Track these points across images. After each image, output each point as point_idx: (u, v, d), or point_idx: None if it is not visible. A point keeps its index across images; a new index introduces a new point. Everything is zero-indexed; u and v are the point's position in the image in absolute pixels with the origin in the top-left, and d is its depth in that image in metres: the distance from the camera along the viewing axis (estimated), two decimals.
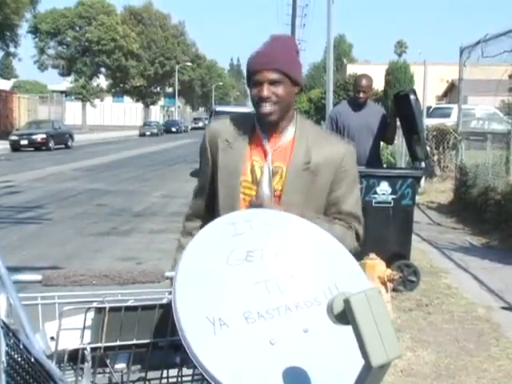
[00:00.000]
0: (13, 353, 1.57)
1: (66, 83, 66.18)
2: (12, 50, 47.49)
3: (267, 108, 2.32)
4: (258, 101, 2.33)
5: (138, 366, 1.86)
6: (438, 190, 14.13)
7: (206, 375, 1.53)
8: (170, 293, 1.71)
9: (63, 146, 34.72)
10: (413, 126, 6.83)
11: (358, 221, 2.43)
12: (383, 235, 6.50)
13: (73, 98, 63.29)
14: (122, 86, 68.95)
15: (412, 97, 6.65)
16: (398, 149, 15.10)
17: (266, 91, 2.30)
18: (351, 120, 6.93)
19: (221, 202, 2.40)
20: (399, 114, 7.01)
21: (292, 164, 2.37)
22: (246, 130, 2.43)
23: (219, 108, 21.93)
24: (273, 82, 2.31)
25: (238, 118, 2.53)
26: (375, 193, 6.50)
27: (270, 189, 2.36)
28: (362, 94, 6.87)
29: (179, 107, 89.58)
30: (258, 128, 2.42)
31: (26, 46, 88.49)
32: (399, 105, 6.94)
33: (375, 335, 1.33)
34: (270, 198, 2.34)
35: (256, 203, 2.29)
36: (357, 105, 6.99)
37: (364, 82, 6.86)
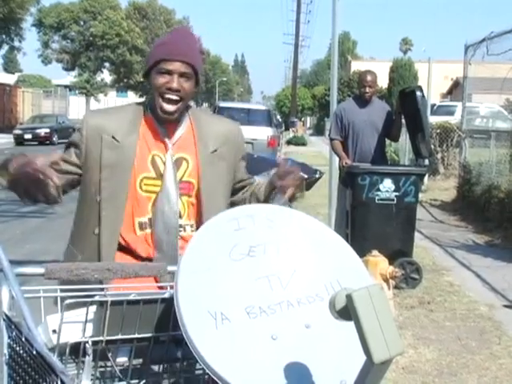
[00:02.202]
0: (15, 345, 1.58)
1: (70, 78, 66.16)
2: (16, 44, 47.57)
3: (172, 106, 2.29)
4: (165, 91, 2.28)
5: (140, 360, 1.86)
6: (441, 187, 14.11)
7: (207, 369, 1.53)
8: (172, 287, 1.71)
9: (67, 140, 34.62)
10: (417, 123, 6.82)
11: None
12: (386, 232, 6.50)
13: (77, 92, 63.29)
14: (125, 80, 68.86)
15: (418, 93, 6.64)
16: (401, 146, 15.08)
17: (176, 83, 2.27)
18: (356, 117, 6.92)
19: (104, 200, 2.31)
20: (404, 111, 7.00)
21: (201, 153, 2.38)
22: (133, 124, 2.35)
23: (223, 104, 21.91)
24: (183, 75, 2.29)
25: (122, 110, 2.46)
26: (378, 190, 6.49)
27: (175, 182, 2.34)
28: (367, 89, 6.86)
29: None
30: (152, 120, 2.36)
31: (30, 40, 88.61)
32: (404, 102, 6.93)
33: (377, 331, 1.33)
34: (175, 191, 2.33)
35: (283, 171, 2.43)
36: (362, 101, 6.98)
37: (369, 77, 6.86)
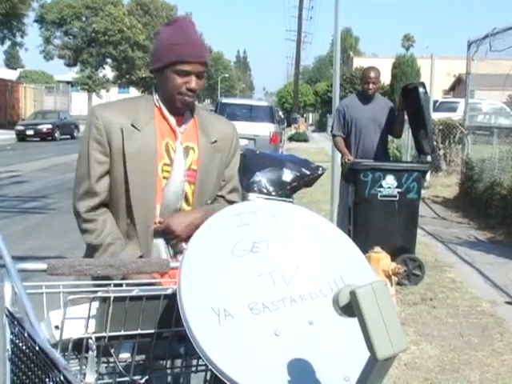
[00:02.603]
0: (17, 341, 1.58)
1: (72, 74, 66.12)
2: (19, 39, 47.53)
3: (191, 99, 2.40)
4: (184, 91, 2.36)
5: (143, 356, 1.86)
6: (443, 184, 14.10)
7: (210, 366, 1.53)
8: (175, 283, 1.70)
9: (69, 136, 34.74)
10: (420, 119, 6.81)
11: (239, 196, 2.68)
12: (388, 229, 6.50)
13: (79, 88, 63.27)
14: (127, 77, 68.80)
15: (421, 90, 6.63)
16: (403, 142, 15.06)
17: (194, 83, 2.36)
18: (359, 113, 6.91)
19: (133, 188, 2.35)
20: (407, 108, 6.98)
21: (202, 143, 2.47)
22: (149, 112, 2.43)
23: (225, 100, 21.90)
24: (199, 75, 2.38)
25: (132, 101, 2.52)
26: (381, 186, 6.48)
27: (184, 168, 2.43)
28: (371, 86, 6.85)
29: None
30: (164, 110, 2.44)
31: (32, 36, 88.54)
32: (407, 98, 6.91)
33: (381, 328, 1.32)
34: (181, 177, 2.42)
35: (161, 228, 2.39)
36: (365, 98, 6.97)
37: (372, 73, 6.84)
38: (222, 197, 2.61)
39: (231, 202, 2.54)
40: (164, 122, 2.44)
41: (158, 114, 2.44)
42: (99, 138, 2.35)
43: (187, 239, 2.24)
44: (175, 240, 2.42)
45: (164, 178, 2.41)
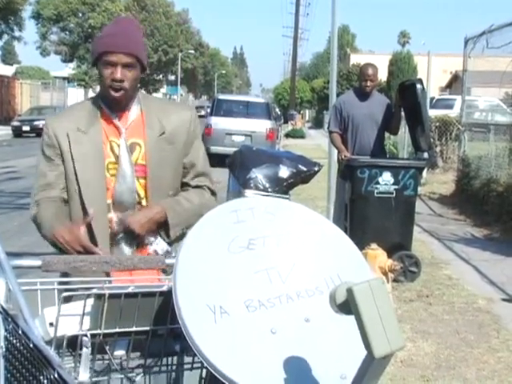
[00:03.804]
0: (11, 338, 1.56)
1: (69, 69, 65.93)
2: (17, 33, 47.42)
3: (118, 94, 2.41)
4: (111, 83, 2.40)
5: (138, 354, 1.85)
6: (440, 181, 14.11)
7: (205, 363, 1.52)
8: (171, 280, 1.69)
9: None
10: (417, 116, 6.81)
11: (209, 178, 2.67)
12: (385, 225, 6.50)
13: (75, 84, 63.10)
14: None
15: (418, 86, 6.63)
16: (400, 139, 15.07)
17: (119, 74, 2.39)
18: (356, 110, 6.91)
19: (84, 190, 2.43)
20: (404, 104, 6.98)
21: (149, 137, 2.49)
22: (92, 114, 2.49)
23: (221, 96, 21.89)
24: (126, 65, 2.40)
25: (78, 107, 2.63)
26: (377, 183, 6.48)
27: (130, 163, 2.47)
28: (368, 83, 6.84)
29: (182, 95, 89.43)
30: (105, 109, 2.49)
31: (28, 32, 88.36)
32: (404, 95, 6.91)
33: (378, 326, 1.31)
34: (130, 172, 2.45)
35: (124, 226, 2.43)
36: (362, 94, 6.96)
37: (370, 70, 6.83)
38: (187, 184, 2.63)
39: (199, 187, 2.61)
40: (108, 120, 2.49)
41: (103, 114, 2.50)
42: (49, 143, 2.49)
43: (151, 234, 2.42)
44: (138, 238, 2.48)
45: (112, 175, 2.46)
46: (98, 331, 1.73)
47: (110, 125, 2.48)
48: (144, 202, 2.50)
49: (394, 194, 6.53)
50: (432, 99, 19.48)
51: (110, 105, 2.48)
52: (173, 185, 2.56)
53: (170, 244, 2.51)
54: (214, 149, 16.45)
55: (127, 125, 2.49)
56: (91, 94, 62.20)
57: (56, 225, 2.33)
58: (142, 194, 2.49)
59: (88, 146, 2.43)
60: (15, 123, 32.72)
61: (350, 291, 1.33)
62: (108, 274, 2.10)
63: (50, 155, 2.49)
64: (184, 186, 2.64)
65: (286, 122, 42.20)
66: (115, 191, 2.46)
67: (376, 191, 6.50)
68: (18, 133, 31.76)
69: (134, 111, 2.50)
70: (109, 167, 2.46)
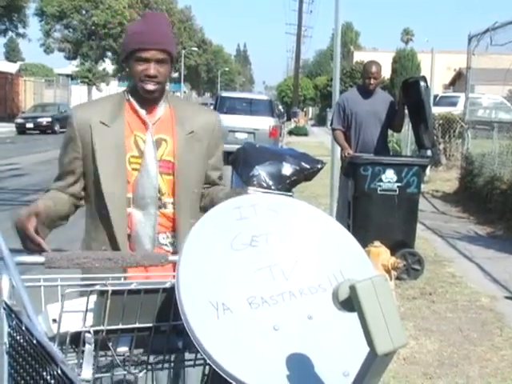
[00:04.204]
0: (15, 334, 1.56)
1: (72, 67, 65.94)
2: (21, 30, 47.48)
3: (152, 86, 2.43)
4: (143, 78, 2.42)
5: (141, 350, 1.85)
6: (443, 178, 14.09)
7: (208, 360, 1.52)
8: (174, 277, 1.70)
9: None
10: (421, 113, 6.79)
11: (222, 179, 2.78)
12: (388, 223, 6.49)
13: (78, 81, 63.09)
14: (127, 70, 68.68)
15: (422, 84, 6.62)
16: (404, 137, 15.04)
17: (153, 70, 2.41)
18: (359, 107, 6.89)
19: (104, 183, 2.44)
20: (407, 102, 6.97)
21: (178, 134, 2.51)
22: (117, 107, 2.50)
23: (225, 94, 21.88)
24: (159, 61, 2.42)
25: (104, 99, 2.65)
26: (380, 180, 6.48)
27: (155, 159, 2.48)
28: (372, 81, 6.83)
29: (185, 92, 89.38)
30: (133, 103, 2.50)
31: (32, 29, 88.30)
32: (407, 92, 6.89)
33: (381, 323, 1.31)
34: (155, 168, 2.47)
35: None
36: (366, 92, 6.95)
37: (374, 68, 6.82)
38: (214, 183, 2.70)
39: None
40: (134, 114, 2.50)
41: (129, 107, 2.50)
42: (72, 136, 2.49)
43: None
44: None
45: (134, 169, 2.46)
46: (101, 328, 1.74)
47: (136, 119, 2.49)
48: (165, 198, 2.51)
49: (397, 192, 6.52)
50: (436, 97, 19.42)
51: (140, 99, 2.49)
52: (198, 183, 2.59)
53: None
54: None
55: (155, 120, 2.50)
56: (95, 91, 62.31)
57: (22, 211, 2.32)
58: (164, 189, 2.50)
59: (110, 138, 2.44)
60: (19, 120, 32.75)
61: (352, 288, 1.33)
62: (125, 271, 2.13)
63: (70, 148, 2.50)
64: (210, 184, 2.70)
65: (289, 119, 42.18)
66: (137, 185, 2.47)
67: (379, 189, 6.49)
68: (21, 130, 31.80)
69: (162, 107, 2.52)
70: (130, 161, 2.46)
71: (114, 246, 2.44)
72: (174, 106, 2.55)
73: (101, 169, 2.43)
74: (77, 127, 2.47)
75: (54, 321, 1.73)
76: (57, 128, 32.98)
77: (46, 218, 2.33)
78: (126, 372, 1.82)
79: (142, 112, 2.49)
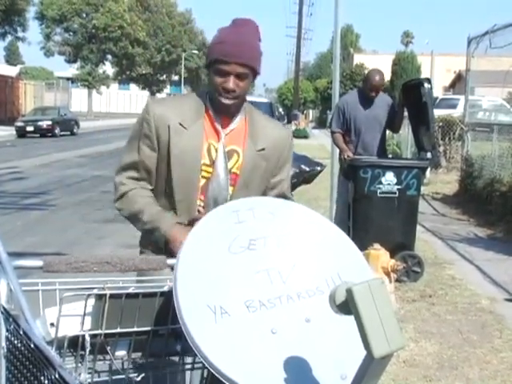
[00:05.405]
0: (13, 338, 1.56)
1: (73, 70, 66.02)
2: (21, 34, 47.51)
3: (229, 101, 2.34)
4: (221, 91, 2.32)
5: (139, 354, 1.85)
6: (443, 180, 14.09)
7: (206, 363, 1.52)
8: (171, 280, 1.70)
9: (69, 132, 34.71)
10: (422, 116, 6.79)
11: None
12: (388, 225, 6.49)
13: (79, 84, 63.16)
14: (128, 73, 68.73)
15: (426, 85, 6.60)
16: (404, 139, 15.06)
17: (232, 84, 2.31)
18: (359, 111, 6.89)
19: (175, 185, 2.38)
20: (407, 104, 6.96)
21: (249, 148, 2.43)
22: (198, 112, 2.42)
23: None
24: (239, 75, 2.32)
25: (184, 99, 2.54)
26: (380, 183, 6.47)
27: (226, 171, 2.41)
28: (374, 93, 6.82)
29: None
30: (210, 110, 2.42)
31: (32, 33, 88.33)
32: (408, 94, 6.89)
33: (378, 326, 1.32)
34: (225, 180, 2.39)
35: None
36: (367, 98, 6.91)
37: (377, 79, 6.78)
38: None
39: None
40: (210, 122, 2.42)
41: (206, 114, 2.42)
42: (148, 134, 2.39)
43: None
44: None
45: (203, 177, 2.40)
46: (99, 331, 1.74)
47: (211, 126, 2.41)
48: None
49: (397, 194, 6.52)
50: (435, 99, 19.45)
51: (217, 108, 2.40)
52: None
53: None
54: None
55: (228, 130, 2.42)
56: (95, 94, 62.39)
57: (169, 224, 2.31)
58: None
59: (187, 142, 2.36)
60: (19, 123, 32.75)
61: (349, 291, 1.33)
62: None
63: (145, 145, 2.41)
64: None
65: (289, 121, 42.06)
66: (207, 196, 2.41)
67: (379, 191, 6.49)
68: (21, 133, 31.79)
69: (238, 119, 2.44)
70: (202, 168, 2.39)
71: None
72: (250, 118, 2.46)
73: (174, 173, 2.37)
74: (154, 125, 2.38)
75: (52, 325, 1.73)
76: (57, 131, 33.00)
77: None
78: (124, 376, 1.82)
79: (218, 122, 2.41)
